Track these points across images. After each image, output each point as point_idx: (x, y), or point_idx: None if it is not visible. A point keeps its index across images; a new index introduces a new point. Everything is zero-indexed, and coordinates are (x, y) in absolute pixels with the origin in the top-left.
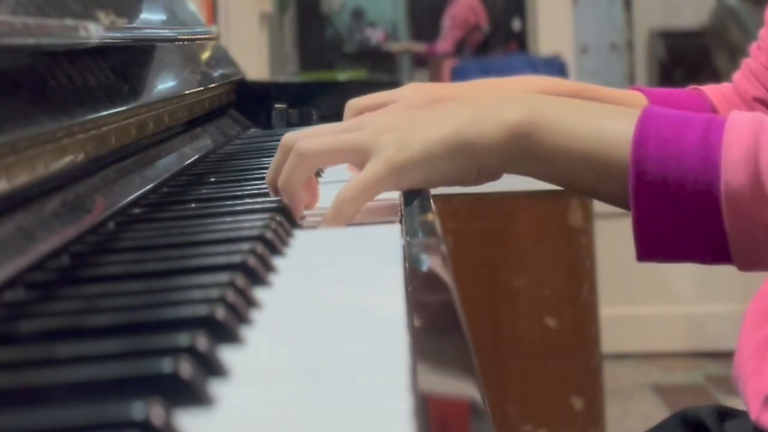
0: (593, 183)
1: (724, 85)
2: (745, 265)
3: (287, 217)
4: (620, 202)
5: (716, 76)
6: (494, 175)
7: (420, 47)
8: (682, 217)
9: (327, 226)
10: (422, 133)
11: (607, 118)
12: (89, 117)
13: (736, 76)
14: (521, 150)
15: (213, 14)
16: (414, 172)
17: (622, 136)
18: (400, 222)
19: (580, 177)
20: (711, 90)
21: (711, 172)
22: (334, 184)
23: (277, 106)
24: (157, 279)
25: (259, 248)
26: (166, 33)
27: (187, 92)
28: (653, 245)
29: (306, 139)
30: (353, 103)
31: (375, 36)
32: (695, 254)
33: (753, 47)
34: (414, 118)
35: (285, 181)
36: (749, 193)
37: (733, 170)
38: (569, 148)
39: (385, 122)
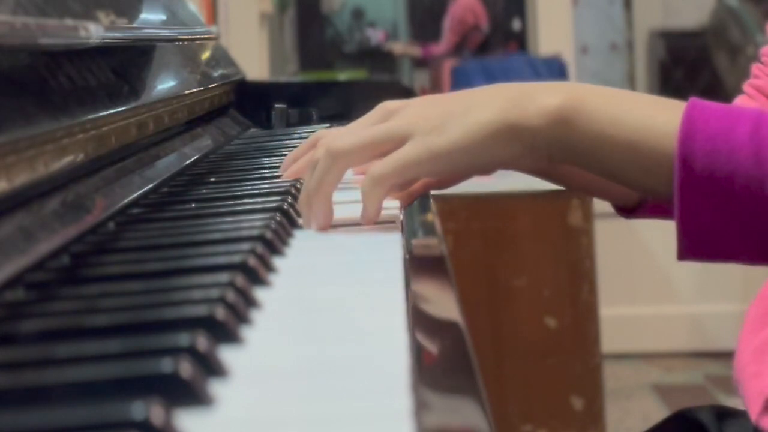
0: (637, 175)
1: None
2: None
3: (287, 217)
4: (664, 196)
5: (716, 76)
6: (540, 163)
7: (417, 51)
8: (731, 214)
9: (364, 213)
10: (460, 117)
11: (651, 108)
12: (89, 117)
13: (739, 101)
14: (563, 136)
15: (213, 14)
16: (452, 157)
17: (669, 127)
18: (401, 222)
19: (623, 168)
20: None
21: (763, 169)
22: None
23: (277, 106)
24: (157, 279)
25: (259, 248)
26: (166, 33)
27: (187, 92)
28: (697, 243)
29: (337, 138)
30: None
31: (375, 36)
32: (742, 254)
33: (754, 68)
34: (448, 105)
35: (319, 183)
36: None
37: None
38: (613, 137)
39: (417, 109)
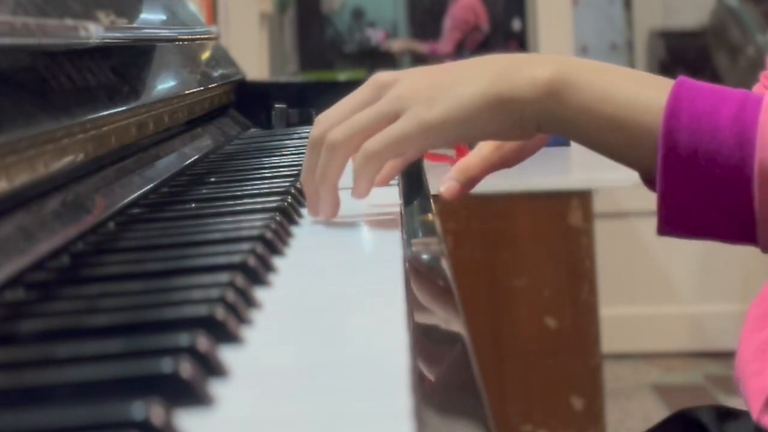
0: (622, 148)
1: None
2: None
3: (287, 217)
4: (647, 171)
5: (716, 76)
6: (529, 132)
7: (421, 47)
8: (711, 191)
9: (355, 189)
10: (450, 90)
11: (640, 84)
12: (89, 117)
13: (756, 88)
14: (552, 108)
15: (213, 14)
16: (444, 130)
17: (656, 104)
18: (400, 222)
19: (609, 141)
20: None
21: (745, 150)
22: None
23: (277, 106)
24: (157, 279)
25: (259, 248)
26: (166, 33)
27: (187, 92)
28: (677, 218)
29: (333, 130)
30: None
31: (375, 36)
32: (719, 231)
33: (763, 75)
34: (438, 77)
35: (323, 175)
36: None
37: None
38: (601, 111)
39: (407, 83)
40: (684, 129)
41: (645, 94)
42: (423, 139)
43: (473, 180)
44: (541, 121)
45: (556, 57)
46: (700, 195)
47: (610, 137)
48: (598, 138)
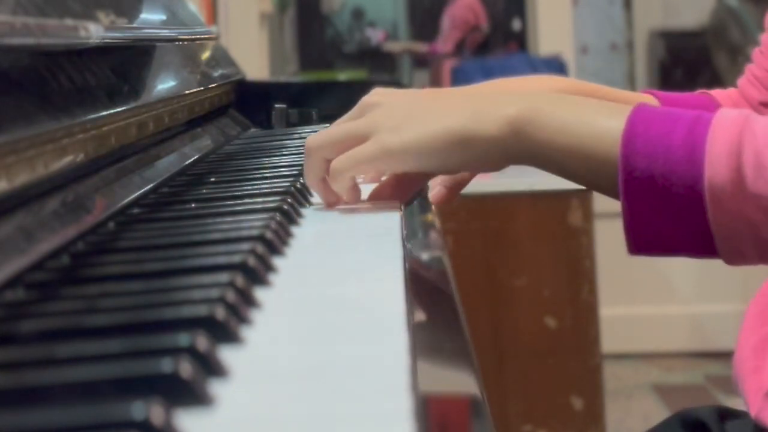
0: (588, 176)
1: (732, 90)
2: (731, 260)
3: (287, 217)
4: (614, 196)
5: (716, 76)
6: (497, 167)
7: (421, 47)
8: (670, 212)
9: (324, 200)
10: (419, 121)
11: (600, 114)
12: (89, 117)
13: (741, 81)
14: (518, 145)
15: (213, 14)
16: (404, 158)
17: (614, 132)
18: (400, 222)
19: (575, 171)
20: (719, 94)
21: (695, 168)
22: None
23: (277, 106)
24: (157, 279)
25: (259, 248)
26: (166, 33)
27: (187, 92)
28: (643, 240)
29: (313, 135)
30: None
31: (375, 36)
32: (684, 249)
33: (755, 52)
34: (414, 105)
35: (304, 177)
36: (731, 189)
37: (716, 166)
38: (561, 144)
39: (385, 109)
40: (640, 154)
41: (603, 123)
42: (383, 163)
43: (461, 184)
44: (509, 156)
45: (527, 95)
46: (662, 216)
47: (575, 167)
48: (565, 168)
